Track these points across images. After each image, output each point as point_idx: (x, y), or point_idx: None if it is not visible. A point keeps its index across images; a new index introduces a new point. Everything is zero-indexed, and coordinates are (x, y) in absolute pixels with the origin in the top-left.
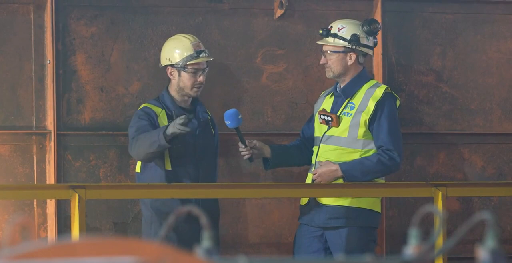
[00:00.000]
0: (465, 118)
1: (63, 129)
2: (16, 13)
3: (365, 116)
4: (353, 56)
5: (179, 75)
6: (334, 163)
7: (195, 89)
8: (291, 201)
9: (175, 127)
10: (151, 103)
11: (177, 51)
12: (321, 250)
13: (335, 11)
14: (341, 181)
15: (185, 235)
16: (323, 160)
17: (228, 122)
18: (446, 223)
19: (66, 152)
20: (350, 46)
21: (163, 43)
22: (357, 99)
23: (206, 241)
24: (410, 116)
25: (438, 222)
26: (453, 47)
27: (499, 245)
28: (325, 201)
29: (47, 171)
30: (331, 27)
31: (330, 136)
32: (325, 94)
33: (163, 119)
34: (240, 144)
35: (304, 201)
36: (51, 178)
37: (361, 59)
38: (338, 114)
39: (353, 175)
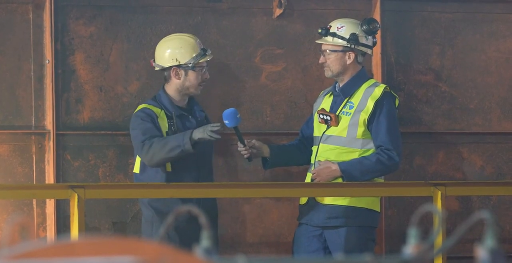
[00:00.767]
0: (464, 117)
1: (62, 128)
2: (15, 12)
3: (364, 116)
4: (352, 55)
5: (186, 74)
6: (333, 163)
7: (201, 87)
8: (290, 200)
9: (205, 133)
10: (150, 104)
11: (184, 51)
12: (320, 250)
13: (334, 10)
14: (340, 180)
15: (184, 234)
16: (322, 159)
17: (226, 121)
18: (445, 222)
19: (65, 152)
20: (349, 45)
21: None
22: (356, 99)
23: (205, 241)
24: (409, 116)
25: (437, 221)
26: (452, 47)
27: (498, 244)
28: (324, 200)
29: (46, 170)
30: (330, 26)
31: (329, 136)
32: (324, 94)
33: (163, 120)
34: (239, 143)
35: (303, 200)
36: (50, 178)
37: (360, 59)
38: (337, 113)
39: (352, 174)
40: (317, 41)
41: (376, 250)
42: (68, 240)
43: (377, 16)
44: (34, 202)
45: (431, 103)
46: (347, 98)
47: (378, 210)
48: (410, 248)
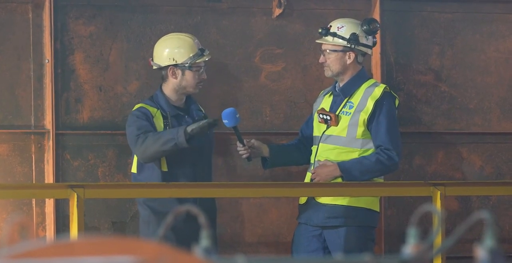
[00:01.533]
0: (464, 117)
1: (62, 128)
2: (14, 12)
3: (364, 116)
4: (352, 55)
5: (183, 74)
6: (332, 162)
7: (199, 86)
8: (289, 200)
9: (198, 124)
10: (146, 103)
11: (181, 50)
12: (320, 249)
13: (333, 10)
14: (339, 180)
15: (181, 234)
16: (322, 159)
17: (226, 121)
18: (444, 222)
19: (65, 151)
20: (349, 45)
21: None
22: (356, 99)
23: (204, 240)
24: (409, 116)
25: (436, 221)
26: (451, 47)
27: (497, 244)
28: (324, 200)
29: (45, 170)
30: (331, 26)
31: (329, 135)
32: (324, 93)
33: (158, 120)
34: (238, 143)
35: (302, 200)
36: (49, 178)
37: (360, 58)
38: (337, 113)
39: (351, 174)
40: (317, 41)
41: (375, 250)
42: (67, 240)
43: (376, 16)
44: (34, 202)
45: (430, 103)
46: (347, 98)
47: (378, 210)
48: (410, 248)
